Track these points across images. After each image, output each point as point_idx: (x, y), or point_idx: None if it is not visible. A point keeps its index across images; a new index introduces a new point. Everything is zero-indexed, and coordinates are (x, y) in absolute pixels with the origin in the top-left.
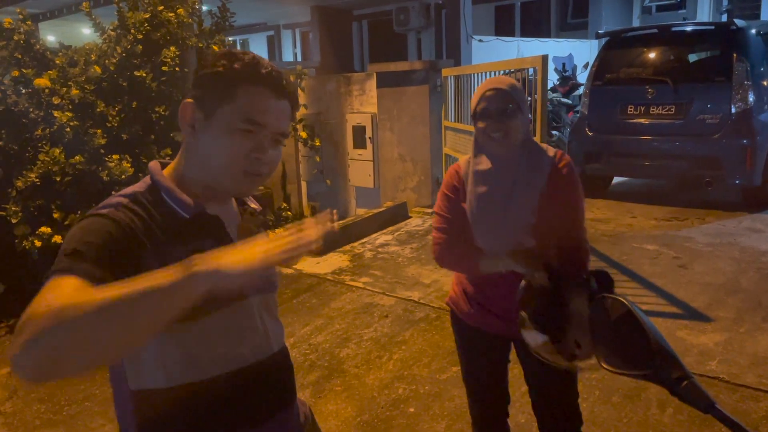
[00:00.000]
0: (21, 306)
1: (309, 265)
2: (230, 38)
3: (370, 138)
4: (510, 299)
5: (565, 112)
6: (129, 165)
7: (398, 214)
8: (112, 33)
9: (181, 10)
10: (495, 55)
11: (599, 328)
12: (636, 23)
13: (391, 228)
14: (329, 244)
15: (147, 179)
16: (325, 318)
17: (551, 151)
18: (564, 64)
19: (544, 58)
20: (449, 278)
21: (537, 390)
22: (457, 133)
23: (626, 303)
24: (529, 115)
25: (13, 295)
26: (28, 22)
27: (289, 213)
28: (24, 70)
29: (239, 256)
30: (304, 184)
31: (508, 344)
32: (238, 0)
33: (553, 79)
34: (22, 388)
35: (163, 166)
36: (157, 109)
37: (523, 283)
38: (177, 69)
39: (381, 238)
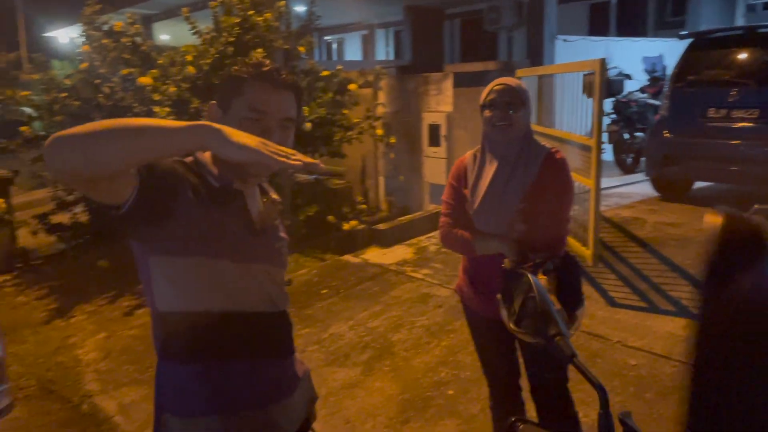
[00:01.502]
0: (122, 280)
1: (375, 255)
2: (327, 38)
3: (444, 136)
4: (493, 284)
5: (652, 114)
6: None
7: None
8: (207, 36)
9: (268, 15)
10: (581, 56)
11: (526, 301)
12: (740, 22)
13: None
14: (397, 236)
15: (191, 157)
16: (384, 305)
17: (546, 147)
18: (654, 64)
19: (602, 61)
20: None
21: (533, 374)
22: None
23: (528, 277)
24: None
25: (114, 272)
26: (136, 26)
27: (364, 206)
28: (130, 69)
29: (242, 135)
30: (381, 180)
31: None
32: (334, 0)
33: (642, 79)
34: (115, 350)
35: None
36: None
37: (503, 264)
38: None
39: None
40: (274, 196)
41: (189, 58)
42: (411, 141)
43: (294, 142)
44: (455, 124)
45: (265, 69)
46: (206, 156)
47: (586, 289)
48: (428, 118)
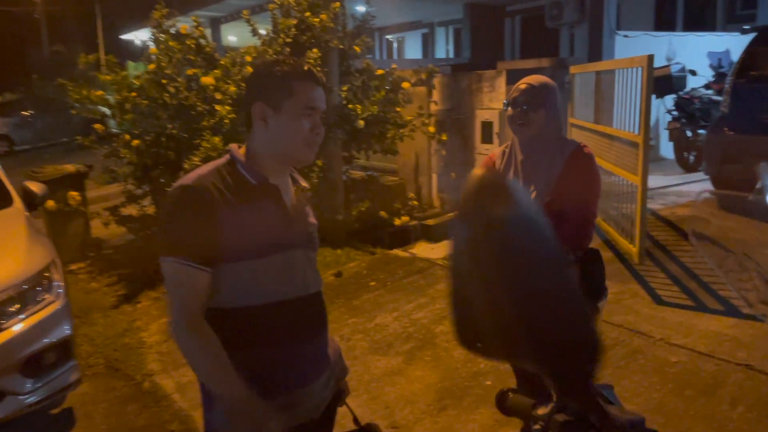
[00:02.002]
0: None
1: (424, 250)
2: (388, 36)
3: (497, 133)
4: None
5: (716, 111)
6: None
7: None
8: (266, 38)
9: (324, 16)
10: (642, 51)
11: None
12: None
13: None
14: (446, 232)
15: (227, 156)
16: (429, 297)
17: (575, 143)
18: (720, 60)
19: (650, 58)
20: None
21: None
22: (581, 130)
23: None
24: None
25: None
26: (200, 29)
27: (415, 203)
28: (194, 70)
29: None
30: (434, 177)
31: None
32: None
33: (708, 75)
34: None
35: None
36: None
37: None
38: (318, 69)
39: None
40: (304, 184)
41: (249, 59)
42: (464, 138)
43: (348, 138)
44: (507, 122)
45: (306, 68)
46: (242, 153)
47: (633, 287)
48: (481, 116)
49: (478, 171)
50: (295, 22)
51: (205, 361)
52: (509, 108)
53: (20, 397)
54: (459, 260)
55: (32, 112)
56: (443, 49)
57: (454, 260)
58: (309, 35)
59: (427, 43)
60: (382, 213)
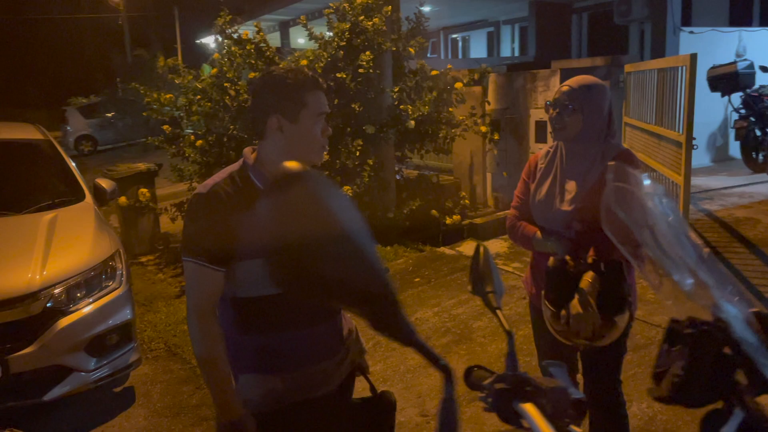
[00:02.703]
0: None
1: (471, 248)
2: (453, 35)
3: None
4: None
5: None
6: (325, 153)
7: None
8: (322, 41)
9: (376, 20)
10: (709, 48)
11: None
12: None
13: None
14: (494, 230)
15: (241, 161)
16: (470, 294)
17: (621, 147)
18: None
19: (693, 57)
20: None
21: (587, 367)
22: (635, 130)
23: (479, 246)
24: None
25: None
26: (261, 33)
27: (466, 201)
28: (254, 74)
29: None
30: (488, 176)
31: None
32: None
33: None
34: None
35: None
36: (353, 106)
37: (549, 263)
38: (371, 71)
39: None
40: None
41: (303, 62)
42: (519, 137)
43: (401, 138)
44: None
45: (313, 77)
46: (252, 158)
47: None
48: (535, 115)
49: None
50: (348, 26)
51: (203, 351)
52: (551, 109)
53: (84, 373)
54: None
55: (114, 113)
56: (508, 47)
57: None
58: (362, 38)
59: (493, 42)
60: (434, 212)
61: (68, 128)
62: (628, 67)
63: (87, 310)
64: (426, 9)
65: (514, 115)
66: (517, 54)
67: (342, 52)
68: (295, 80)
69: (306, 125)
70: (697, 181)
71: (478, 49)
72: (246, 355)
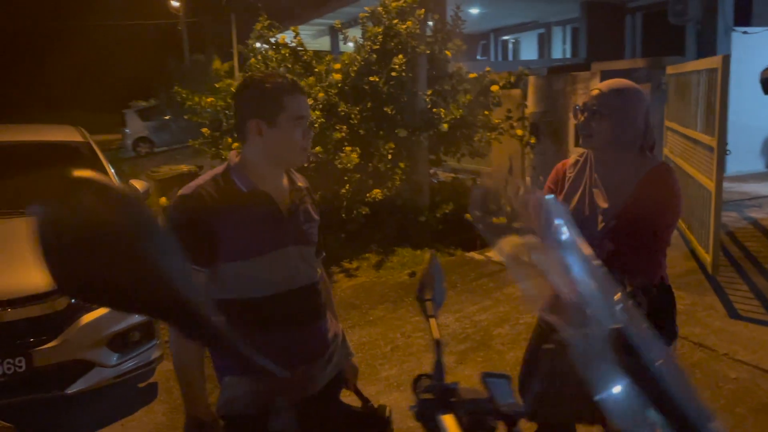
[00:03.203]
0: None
1: None
2: (504, 37)
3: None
4: None
5: None
6: (356, 156)
7: None
8: (358, 45)
9: (410, 23)
10: (763, 48)
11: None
12: None
13: None
14: None
15: (226, 164)
16: (494, 300)
17: (656, 160)
18: None
19: (725, 58)
20: None
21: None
22: (675, 134)
23: (430, 255)
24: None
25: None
26: (298, 38)
27: None
28: (289, 76)
29: None
30: (528, 180)
31: None
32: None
33: None
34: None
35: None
36: (385, 109)
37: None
38: (404, 74)
39: None
40: (300, 183)
41: (337, 66)
42: (558, 141)
43: (436, 141)
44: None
45: (291, 81)
46: (236, 161)
47: (709, 299)
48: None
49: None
50: (381, 29)
51: (178, 351)
52: (579, 114)
53: (106, 368)
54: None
55: (170, 116)
56: (560, 49)
57: None
58: (396, 41)
59: (543, 44)
60: (468, 216)
61: (127, 131)
62: (670, 69)
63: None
64: (475, 11)
65: (552, 118)
66: (568, 56)
67: (375, 56)
68: (274, 84)
69: (285, 129)
70: (746, 188)
71: (529, 51)
72: (228, 358)
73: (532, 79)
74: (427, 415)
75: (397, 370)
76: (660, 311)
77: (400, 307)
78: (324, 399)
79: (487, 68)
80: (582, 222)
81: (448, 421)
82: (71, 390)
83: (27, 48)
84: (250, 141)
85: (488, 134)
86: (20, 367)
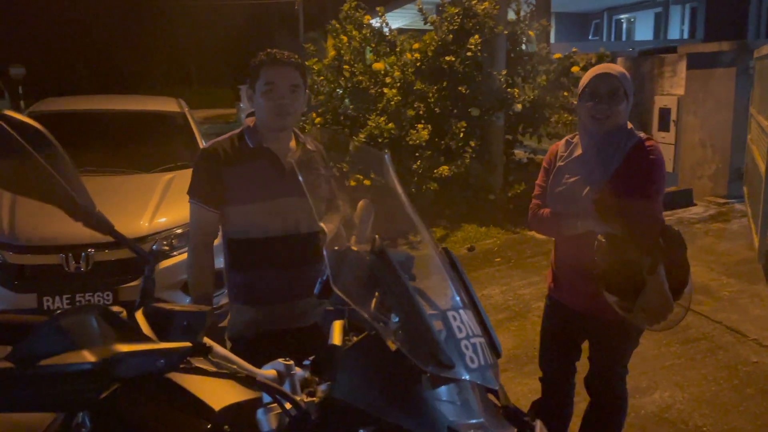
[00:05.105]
0: None
1: None
2: (619, 16)
3: (674, 121)
4: (580, 272)
5: None
6: (426, 133)
7: (677, 200)
8: (436, 25)
9: (487, 3)
10: None
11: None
12: None
13: (664, 213)
14: None
15: (243, 126)
16: (542, 277)
17: (638, 136)
18: None
19: None
20: None
21: (592, 355)
22: (758, 123)
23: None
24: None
25: None
26: (383, 18)
27: None
28: (371, 56)
29: None
30: None
31: (583, 322)
32: None
33: None
34: None
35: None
36: (459, 88)
37: (599, 240)
38: (478, 54)
39: None
40: (309, 146)
41: (416, 45)
42: (642, 125)
43: (513, 122)
44: (685, 109)
45: (269, 54)
46: (251, 124)
47: (759, 288)
48: (660, 102)
49: None
50: (457, 9)
51: (190, 276)
52: (586, 102)
53: None
54: None
55: None
56: (677, 29)
57: None
58: (474, 22)
59: (660, 24)
60: None
61: (241, 105)
62: (757, 53)
63: (185, 255)
64: None
65: (639, 101)
66: (686, 36)
67: (451, 36)
68: (257, 59)
69: (259, 95)
70: None
71: (644, 31)
72: (235, 288)
73: (619, 62)
74: (327, 321)
75: None
76: (671, 254)
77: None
78: (314, 332)
79: (574, 49)
80: (575, 194)
81: (336, 326)
82: None
83: (157, 27)
84: (252, 107)
85: (566, 116)
86: (108, 300)
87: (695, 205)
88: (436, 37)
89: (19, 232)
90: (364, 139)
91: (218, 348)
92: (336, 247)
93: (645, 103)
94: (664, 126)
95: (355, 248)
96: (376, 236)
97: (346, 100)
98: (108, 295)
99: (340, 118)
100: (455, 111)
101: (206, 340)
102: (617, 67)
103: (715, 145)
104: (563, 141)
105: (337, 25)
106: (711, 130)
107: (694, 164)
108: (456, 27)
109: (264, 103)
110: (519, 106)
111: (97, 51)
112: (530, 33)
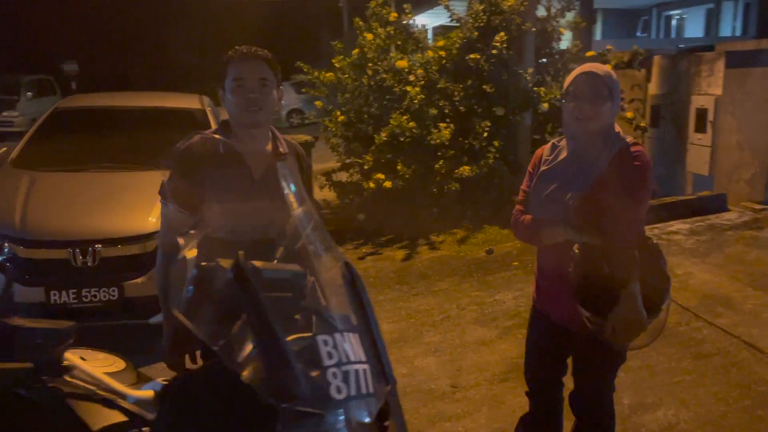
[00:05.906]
0: (371, 232)
1: None
2: (669, 12)
3: (711, 122)
4: (561, 283)
5: None
6: (448, 132)
7: (710, 205)
8: (462, 22)
9: (513, 0)
10: None
11: None
12: None
13: (695, 218)
14: None
15: (216, 126)
16: None
17: (624, 140)
18: None
19: None
20: (701, 275)
21: (577, 370)
22: None
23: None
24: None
25: (369, 223)
26: (409, 15)
27: None
28: (394, 54)
29: None
30: None
31: (566, 335)
32: None
33: None
34: None
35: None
36: (484, 87)
37: (574, 250)
38: (504, 51)
39: (676, 225)
40: (281, 150)
41: (440, 43)
42: (678, 126)
43: (540, 121)
44: (723, 109)
45: (236, 51)
46: (221, 126)
47: None
48: (696, 102)
49: None
50: (482, 6)
51: (159, 277)
52: (570, 102)
53: None
54: None
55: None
56: (729, 26)
57: None
58: (500, 19)
59: (711, 20)
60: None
61: (283, 102)
62: None
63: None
64: None
65: (675, 101)
66: (738, 34)
67: (477, 33)
68: (227, 56)
69: (228, 91)
70: None
71: (695, 28)
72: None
73: (657, 59)
74: None
75: (441, 338)
76: (648, 267)
77: (466, 281)
78: None
79: (608, 47)
80: (550, 203)
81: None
82: (153, 320)
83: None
84: (224, 106)
85: None
86: (114, 295)
87: (729, 210)
88: (461, 34)
89: (30, 227)
90: (385, 138)
91: (84, 366)
92: (203, 263)
93: (681, 102)
94: (701, 127)
95: (224, 264)
96: (240, 252)
97: (370, 98)
98: (114, 291)
99: (364, 116)
100: (480, 110)
101: (70, 358)
102: (603, 67)
103: (754, 148)
104: (549, 144)
105: (361, 24)
106: (749, 132)
107: (730, 167)
108: (482, 24)
109: (233, 99)
110: (546, 105)
111: (150, 46)
112: (561, 30)
